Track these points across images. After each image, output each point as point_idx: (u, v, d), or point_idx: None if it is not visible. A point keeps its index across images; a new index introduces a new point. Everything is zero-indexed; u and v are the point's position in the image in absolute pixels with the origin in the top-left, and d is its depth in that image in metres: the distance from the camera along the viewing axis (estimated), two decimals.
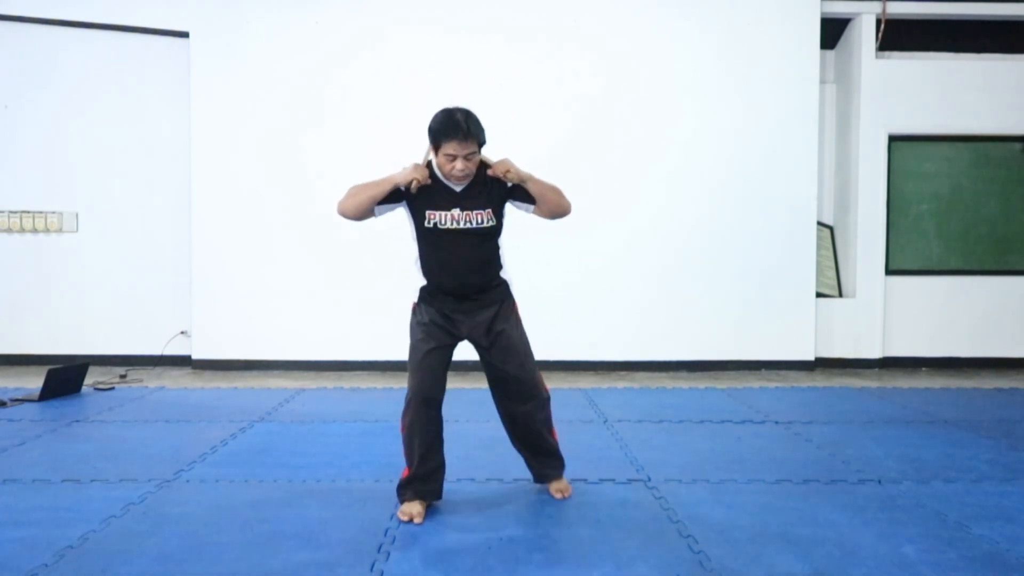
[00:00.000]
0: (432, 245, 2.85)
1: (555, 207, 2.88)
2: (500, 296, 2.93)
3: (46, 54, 6.47)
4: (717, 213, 6.38)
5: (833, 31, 6.76)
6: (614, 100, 6.36)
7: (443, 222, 2.80)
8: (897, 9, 6.52)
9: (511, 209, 2.95)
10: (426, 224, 2.82)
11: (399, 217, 2.98)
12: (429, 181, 2.80)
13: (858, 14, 6.55)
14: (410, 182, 2.77)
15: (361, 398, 5.15)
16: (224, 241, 6.32)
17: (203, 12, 6.28)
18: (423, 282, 2.90)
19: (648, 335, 6.39)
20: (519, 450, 3.12)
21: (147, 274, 6.54)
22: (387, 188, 2.79)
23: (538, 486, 3.14)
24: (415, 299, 2.93)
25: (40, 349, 6.51)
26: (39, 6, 6.39)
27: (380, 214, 2.90)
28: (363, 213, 2.84)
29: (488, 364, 2.97)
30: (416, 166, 2.81)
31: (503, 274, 2.96)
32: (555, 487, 3.09)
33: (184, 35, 6.34)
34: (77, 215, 6.52)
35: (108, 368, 6.28)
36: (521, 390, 2.96)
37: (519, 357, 2.92)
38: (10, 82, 6.48)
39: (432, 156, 2.84)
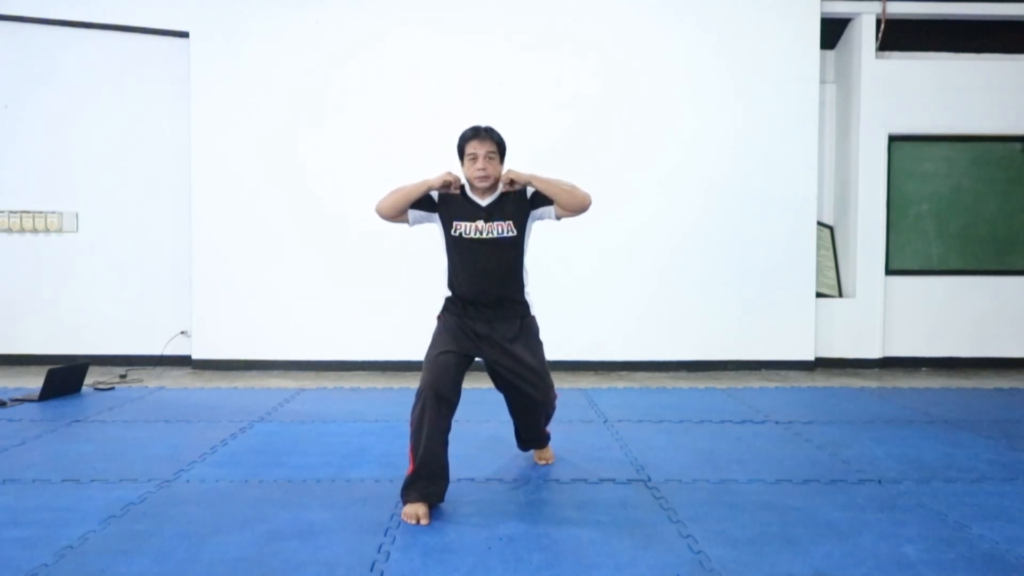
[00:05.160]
0: (458, 254, 3.01)
1: (571, 198, 2.98)
2: (522, 312, 3.08)
3: (46, 54, 6.47)
4: (717, 213, 6.39)
5: (833, 31, 6.76)
6: (614, 100, 6.36)
7: (467, 232, 2.98)
8: (897, 9, 6.52)
9: (538, 227, 3.14)
10: (452, 233, 3.00)
11: (402, 220, 3.09)
12: (462, 183, 3.01)
13: (858, 14, 6.55)
14: (444, 183, 2.95)
15: (361, 398, 5.15)
16: (224, 241, 6.32)
17: (203, 12, 6.29)
18: (448, 293, 3.08)
19: (648, 335, 6.40)
20: (513, 422, 3.39)
21: (147, 274, 6.54)
22: (423, 189, 2.97)
23: (539, 487, 3.16)
24: (439, 310, 3.11)
25: (40, 349, 6.51)
26: (39, 6, 6.39)
27: (415, 222, 3.08)
28: (397, 212, 3.00)
29: (506, 382, 3.12)
30: (450, 172, 2.99)
31: (527, 293, 3.12)
32: (540, 455, 3.48)
33: (184, 35, 6.34)
34: (77, 215, 6.53)
35: (108, 368, 6.29)
36: (534, 407, 3.20)
37: (537, 379, 3.08)
38: (10, 82, 6.48)
39: (463, 173, 3.04)
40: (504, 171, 3.01)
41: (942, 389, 5.59)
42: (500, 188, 3.00)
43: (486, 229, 2.97)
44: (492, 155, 2.97)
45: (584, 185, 3.05)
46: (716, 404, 4.90)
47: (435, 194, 3.03)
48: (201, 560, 2.40)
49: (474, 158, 2.95)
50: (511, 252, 3.01)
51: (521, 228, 3.02)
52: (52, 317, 6.52)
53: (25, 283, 6.53)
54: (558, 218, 3.05)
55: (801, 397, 5.22)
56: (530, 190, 3.02)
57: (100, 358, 6.43)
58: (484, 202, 3.01)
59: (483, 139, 2.96)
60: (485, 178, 2.96)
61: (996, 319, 6.66)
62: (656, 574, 2.32)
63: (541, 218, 3.07)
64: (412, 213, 3.01)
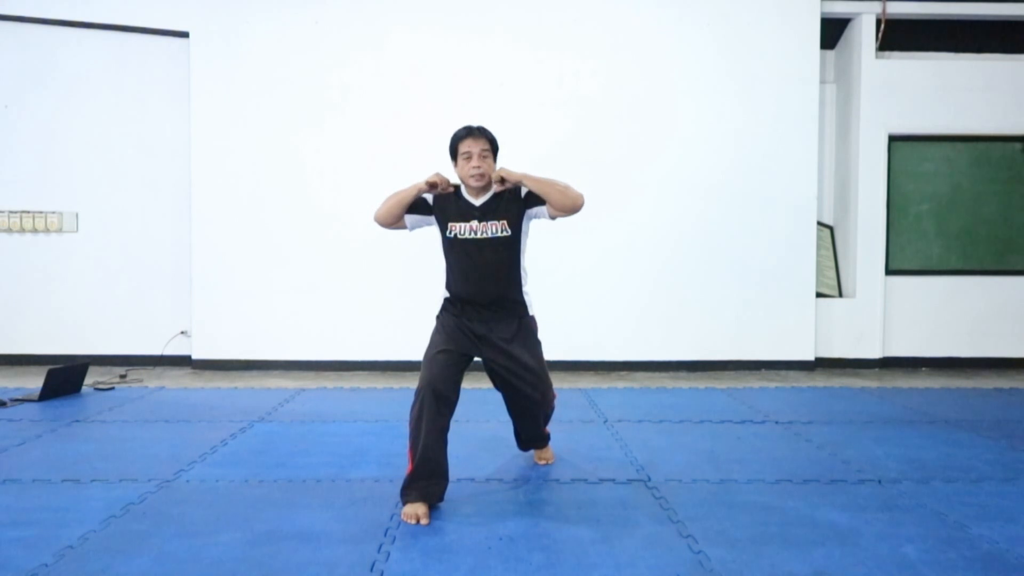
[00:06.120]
0: (454, 255, 3.02)
1: (563, 198, 2.94)
2: (520, 312, 3.07)
3: (46, 54, 6.47)
4: (717, 213, 6.39)
5: (833, 31, 6.77)
6: (614, 100, 6.36)
7: (462, 232, 2.98)
8: (897, 9, 6.52)
9: (533, 226, 3.11)
10: (448, 234, 3.01)
11: (400, 226, 3.10)
12: (452, 184, 3.00)
13: (858, 14, 6.55)
14: (431, 184, 2.95)
15: (361, 398, 5.15)
16: (224, 241, 6.32)
17: (203, 12, 6.29)
18: (446, 294, 3.09)
19: (648, 335, 6.40)
20: (512, 423, 3.37)
21: (147, 274, 6.54)
22: (413, 193, 2.97)
23: (539, 487, 3.16)
24: (438, 310, 3.11)
25: (40, 349, 6.51)
26: (39, 6, 6.39)
27: (413, 227, 3.09)
28: (394, 219, 3.03)
29: (504, 382, 3.11)
30: (438, 173, 2.99)
31: (525, 292, 3.10)
32: (539, 455, 3.49)
33: (184, 35, 6.34)
34: (77, 215, 6.53)
35: (108, 368, 6.29)
36: (532, 407, 3.18)
37: (535, 379, 3.08)
38: (10, 82, 6.48)
39: (456, 174, 3.03)
40: (496, 170, 3.00)
41: (942, 389, 5.59)
42: (493, 187, 2.99)
43: (480, 229, 2.96)
44: (486, 153, 2.96)
45: (583, 185, 3.04)
46: (716, 404, 4.90)
47: (429, 197, 3.02)
48: (201, 560, 2.40)
49: (468, 156, 2.94)
50: (506, 252, 3.00)
51: (516, 228, 2.99)
52: (52, 317, 6.52)
53: (25, 283, 6.53)
54: (552, 218, 3.02)
55: (801, 397, 5.22)
56: (524, 189, 3.00)
57: (100, 358, 6.43)
58: (478, 202, 3.00)
59: (476, 137, 2.95)
60: (481, 176, 2.93)
61: (996, 319, 6.66)
62: (656, 574, 2.32)
63: (536, 217, 3.04)
64: (409, 218, 3.02)
